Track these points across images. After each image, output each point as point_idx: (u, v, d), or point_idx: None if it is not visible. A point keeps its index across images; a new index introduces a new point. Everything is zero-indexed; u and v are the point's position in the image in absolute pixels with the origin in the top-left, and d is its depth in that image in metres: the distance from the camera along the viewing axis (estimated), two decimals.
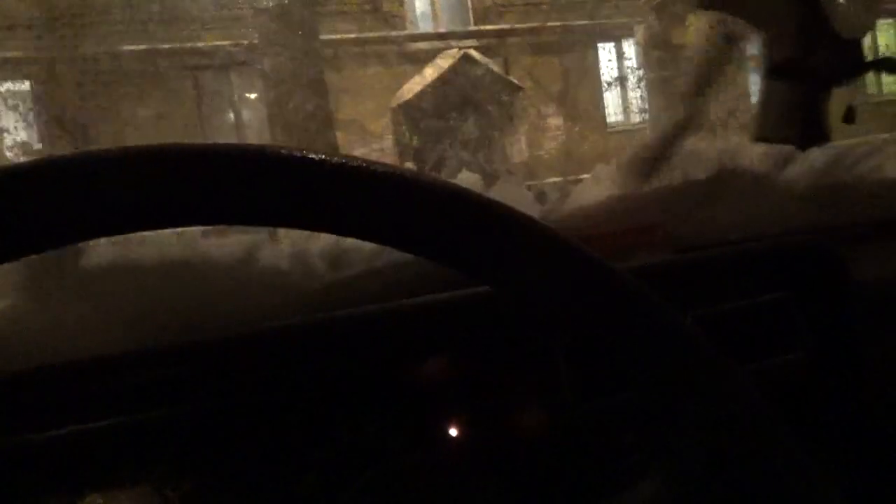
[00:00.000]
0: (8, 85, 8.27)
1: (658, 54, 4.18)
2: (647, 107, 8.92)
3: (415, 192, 0.36)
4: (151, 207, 0.32)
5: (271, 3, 5.31)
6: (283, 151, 0.33)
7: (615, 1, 9.53)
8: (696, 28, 4.13)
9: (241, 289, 0.58)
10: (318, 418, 0.51)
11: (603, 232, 0.81)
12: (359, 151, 9.02)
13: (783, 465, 0.36)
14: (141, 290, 0.56)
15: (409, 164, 9.40)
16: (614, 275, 0.37)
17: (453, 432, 0.55)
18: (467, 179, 0.96)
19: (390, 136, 9.29)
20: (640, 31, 4.30)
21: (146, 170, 0.32)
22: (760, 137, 1.26)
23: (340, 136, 6.83)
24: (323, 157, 0.35)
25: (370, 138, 9.13)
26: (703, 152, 0.95)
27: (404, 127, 9.27)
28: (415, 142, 9.25)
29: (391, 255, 0.63)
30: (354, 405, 0.52)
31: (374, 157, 9.22)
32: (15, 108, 8.73)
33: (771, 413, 0.37)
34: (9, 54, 7.99)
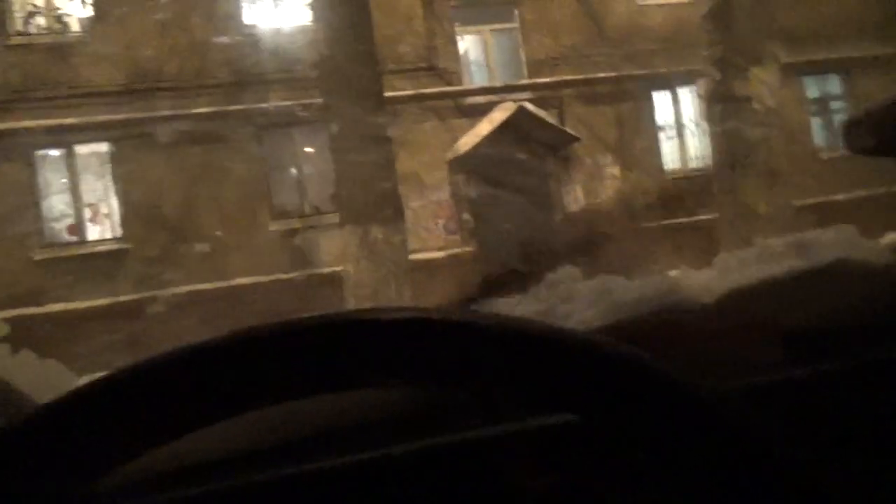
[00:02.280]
0: (91, 147, 8.81)
1: (721, 107, 4.16)
2: (704, 154, 8.83)
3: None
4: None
5: (331, 66, 5.53)
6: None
7: (671, 50, 9.56)
8: (761, 80, 4.10)
9: None
10: None
11: (714, 329, 0.80)
12: (416, 203, 9.16)
13: None
14: None
15: (466, 216, 9.49)
16: (698, 393, 0.37)
17: None
18: (569, 273, 0.97)
19: (447, 188, 9.43)
20: (700, 83, 4.29)
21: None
22: None
23: (399, 189, 6.96)
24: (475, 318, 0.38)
25: (427, 191, 9.29)
26: (816, 240, 0.93)
27: (460, 179, 9.41)
28: (471, 193, 9.35)
29: None
30: None
31: (430, 208, 9.33)
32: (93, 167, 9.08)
33: None
34: (91, 119, 8.55)
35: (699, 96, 4.51)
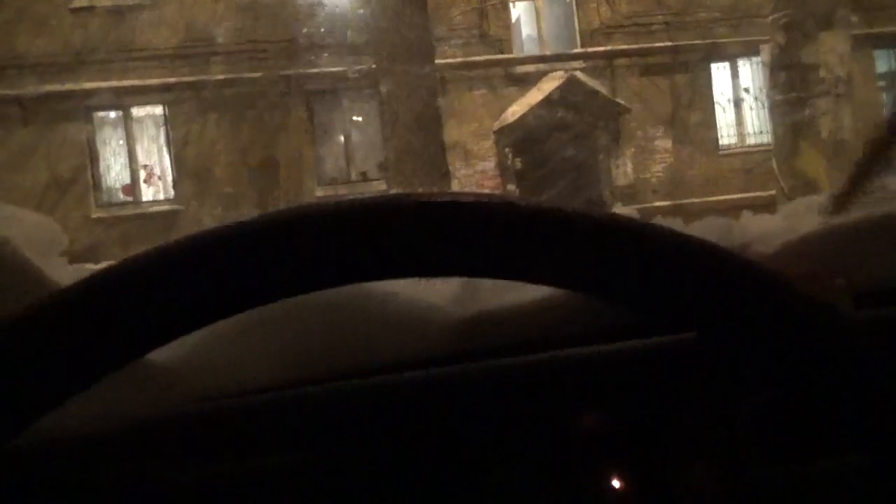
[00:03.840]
0: (147, 109, 9.02)
1: (786, 74, 3.98)
2: (765, 128, 8.49)
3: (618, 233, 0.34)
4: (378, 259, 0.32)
5: (387, 30, 5.50)
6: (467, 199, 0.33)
7: (731, 20, 9.19)
8: (830, 47, 3.90)
9: (386, 323, 0.58)
10: (467, 470, 0.49)
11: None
12: (461, 173, 9.12)
13: None
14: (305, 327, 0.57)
15: (511, 187, 9.40)
16: (837, 317, 0.34)
17: (612, 492, 0.52)
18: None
19: (493, 158, 9.34)
20: (765, 50, 4.10)
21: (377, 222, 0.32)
22: None
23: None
24: (531, 203, 0.34)
25: (473, 160, 9.22)
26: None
27: (507, 149, 9.30)
28: (517, 164, 9.25)
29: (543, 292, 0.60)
30: (507, 457, 0.50)
31: (475, 178, 9.27)
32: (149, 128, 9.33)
33: None
34: (146, 82, 8.73)
35: (763, 63, 4.30)
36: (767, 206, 5.98)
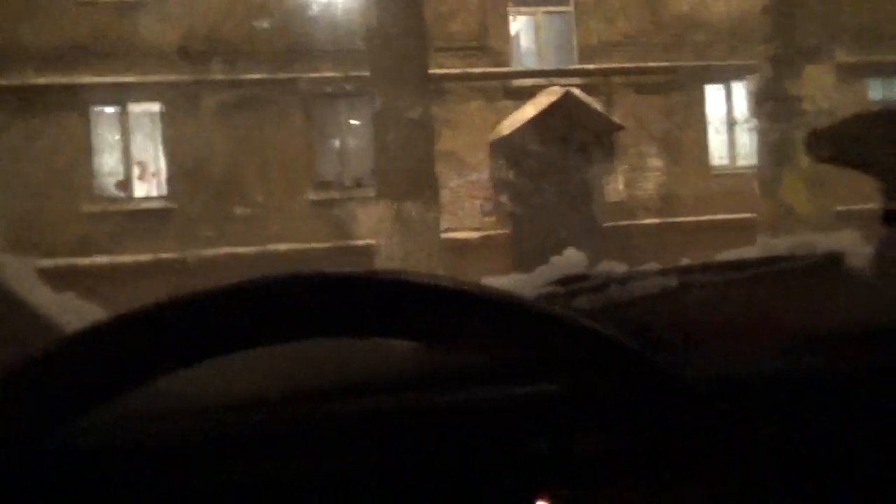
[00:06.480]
0: (144, 106, 9.05)
1: (771, 105, 4.05)
2: (754, 152, 8.58)
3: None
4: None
5: (383, 38, 5.55)
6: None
7: (728, 44, 9.28)
8: (815, 80, 3.98)
9: None
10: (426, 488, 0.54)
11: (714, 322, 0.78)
12: (455, 182, 9.17)
13: None
14: None
15: (504, 198, 9.46)
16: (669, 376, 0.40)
17: None
18: (571, 256, 0.98)
19: (486, 170, 9.40)
20: (752, 79, 4.17)
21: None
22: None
23: (438, 168, 6.98)
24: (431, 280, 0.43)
25: (468, 170, 9.28)
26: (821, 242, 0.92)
27: (501, 161, 9.36)
28: (511, 176, 9.31)
29: None
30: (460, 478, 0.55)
31: (467, 188, 9.30)
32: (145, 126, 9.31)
33: None
34: (145, 79, 8.77)
35: (750, 93, 4.38)
36: (751, 227, 6.05)
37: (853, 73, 8.55)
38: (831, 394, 0.68)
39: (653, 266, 1.05)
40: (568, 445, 0.57)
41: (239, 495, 0.52)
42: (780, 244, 1.09)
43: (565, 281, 1.04)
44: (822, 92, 3.89)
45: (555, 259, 1.11)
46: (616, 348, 0.44)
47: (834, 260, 0.89)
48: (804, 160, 3.92)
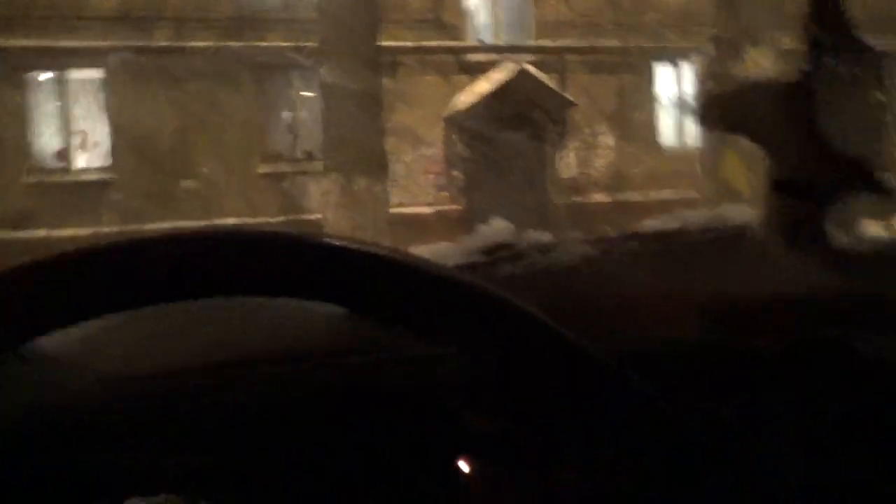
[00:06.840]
0: (85, 73, 8.67)
1: (714, 84, 4.14)
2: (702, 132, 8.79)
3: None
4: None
5: (335, 9, 5.44)
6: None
7: (678, 25, 9.41)
8: (756, 63, 4.07)
9: None
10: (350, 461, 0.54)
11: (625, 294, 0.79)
12: (408, 157, 9.11)
13: None
14: None
15: (457, 173, 9.46)
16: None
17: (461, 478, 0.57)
18: (498, 226, 0.99)
19: (440, 145, 9.37)
20: (697, 60, 4.26)
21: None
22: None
23: (391, 142, 6.91)
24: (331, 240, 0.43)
25: (421, 145, 9.23)
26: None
27: (455, 136, 9.35)
28: (464, 152, 9.31)
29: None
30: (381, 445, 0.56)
31: (421, 162, 9.29)
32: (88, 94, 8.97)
33: None
34: (85, 44, 8.39)
35: (695, 73, 4.47)
36: (696, 204, 6.21)
37: (795, 59, 8.77)
38: (740, 366, 0.70)
39: (575, 235, 1.08)
40: (482, 412, 0.58)
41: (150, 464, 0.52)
42: (697, 216, 1.13)
43: (490, 250, 1.05)
44: (762, 74, 3.99)
45: (482, 228, 1.13)
46: (526, 318, 0.45)
47: (741, 232, 0.92)
48: (743, 139, 4.04)
